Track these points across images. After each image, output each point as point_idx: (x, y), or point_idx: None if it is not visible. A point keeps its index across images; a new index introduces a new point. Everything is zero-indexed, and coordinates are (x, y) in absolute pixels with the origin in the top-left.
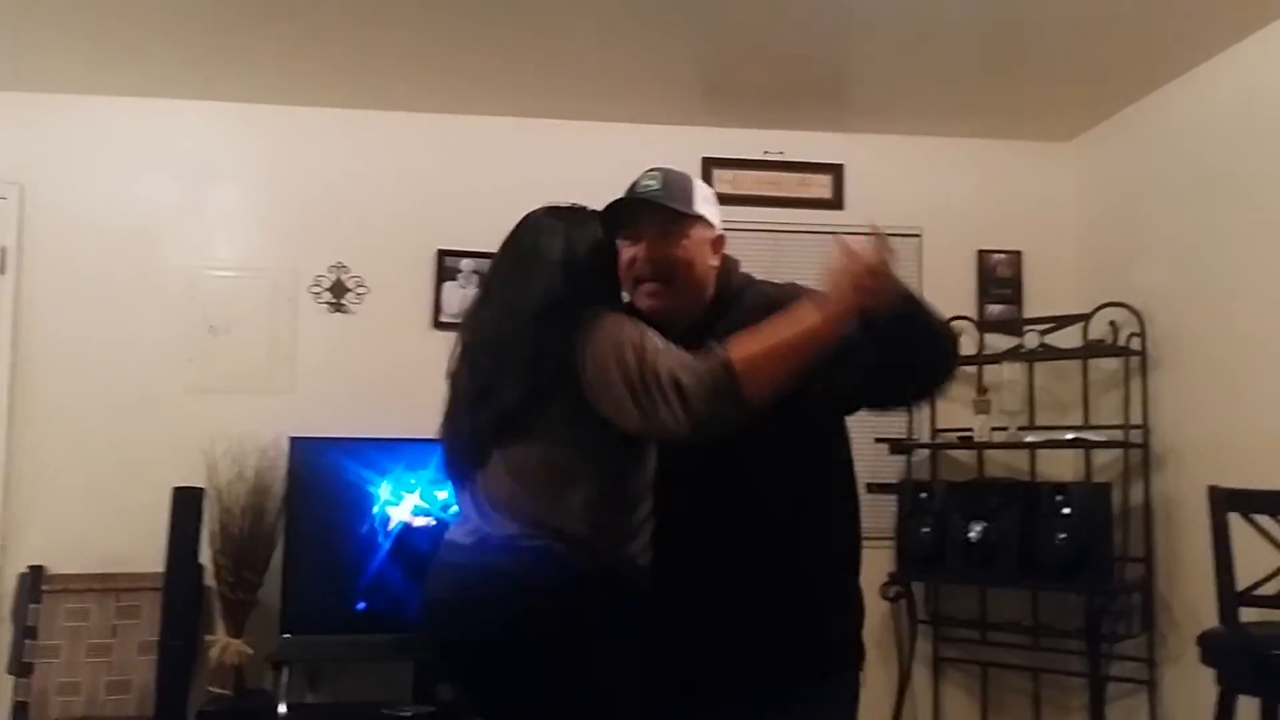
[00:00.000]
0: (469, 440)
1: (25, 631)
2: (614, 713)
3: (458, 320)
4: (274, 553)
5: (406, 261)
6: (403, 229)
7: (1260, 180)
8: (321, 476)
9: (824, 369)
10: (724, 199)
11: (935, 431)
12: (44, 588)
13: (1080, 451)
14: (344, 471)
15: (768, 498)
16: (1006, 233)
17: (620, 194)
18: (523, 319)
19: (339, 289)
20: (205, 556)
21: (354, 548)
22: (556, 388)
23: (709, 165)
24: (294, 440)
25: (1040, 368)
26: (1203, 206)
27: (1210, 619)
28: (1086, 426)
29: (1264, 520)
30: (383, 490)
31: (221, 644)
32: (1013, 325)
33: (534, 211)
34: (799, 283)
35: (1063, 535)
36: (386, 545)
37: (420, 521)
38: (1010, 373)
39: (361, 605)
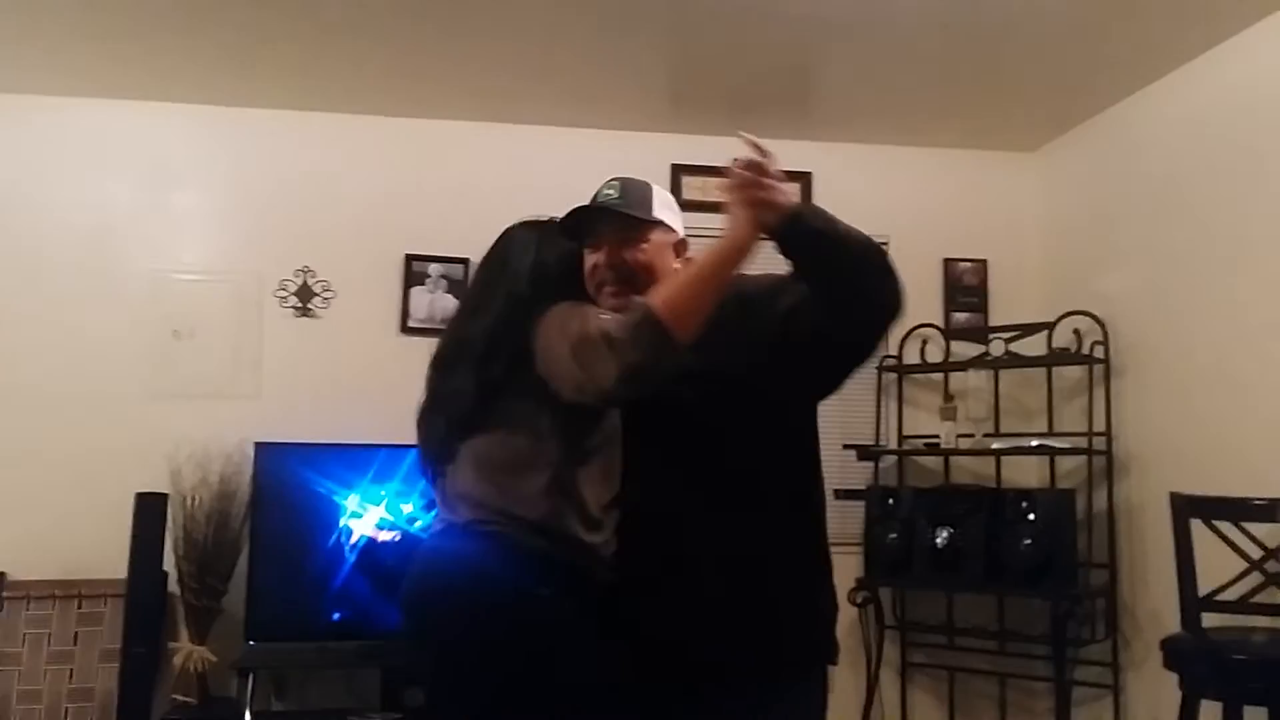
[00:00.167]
0: (438, 439)
1: None
2: (564, 697)
3: (426, 325)
4: (239, 559)
5: (374, 266)
6: (370, 233)
7: (1222, 191)
8: (287, 483)
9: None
10: (693, 205)
11: (902, 438)
12: (4, 594)
13: (1045, 458)
14: (310, 478)
15: (736, 491)
16: (973, 241)
17: (586, 200)
18: (488, 321)
19: (305, 293)
20: (169, 563)
21: (320, 554)
22: (512, 377)
23: (678, 171)
24: (259, 446)
25: (1006, 375)
26: (1166, 217)
27: (1173, 624)
28: (1051, 434)
29: (1225, 526)
30: (349, 502)
31: (185, 651)
32: (979, 333)
33: (512, 225)
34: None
35: (1028, 541)
36: (352, 553)
37: (385, 536)
38: (976, 380)
39: (329, 613)
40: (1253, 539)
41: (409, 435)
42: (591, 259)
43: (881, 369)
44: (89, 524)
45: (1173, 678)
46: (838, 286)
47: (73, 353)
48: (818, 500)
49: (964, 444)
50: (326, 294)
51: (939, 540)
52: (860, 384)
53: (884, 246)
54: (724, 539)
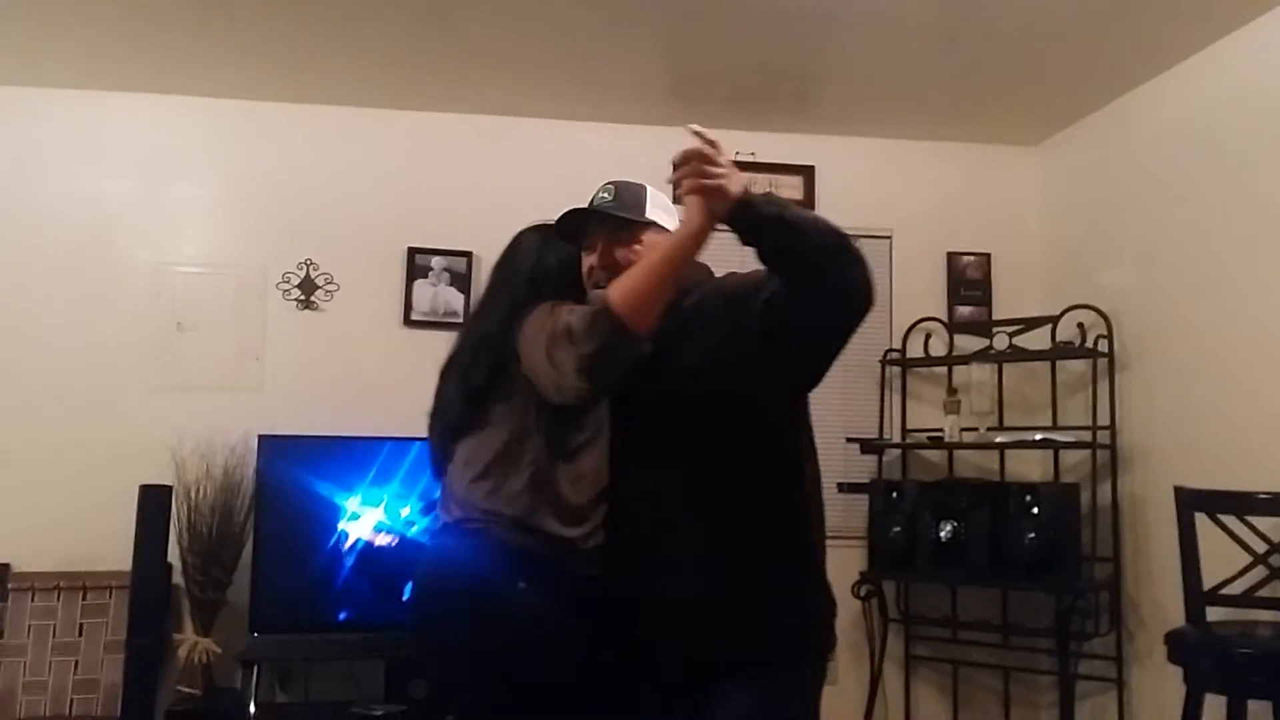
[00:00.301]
0: (437, 442)
1: None
2: (544, 686)
3: (428, 318)
4: (243, 551)
5: (377, 259)
6: (373, 226)
7: (1225, 184)
8: (290, 475)
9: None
10: None
11: (906, 432)
12: (10, 585)
13: (1049, 452)
14: (313, 470)
15: (719, 485)
16: (976, 235)
17: (588, 194)
18: (489, 327)
19: (308, 286)
20: (173, 555)
21: (323, 547)
22: (499, 377)
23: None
24: (263, 438)
25: (1009, 369)
26: (1168, 210)
27: (1177, 618)
28: (1055, 427)
29: (1230, 520)
30: (349, 504)
31: (190, 643)
32: (982, 327)
33: (523, 229)
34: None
35: (1032, 535)
36: (349, 556)
37: (382, 540)
38: (980, 374)
39: (333, 605)
40: (1257, 533)
41: (412, 428)
42: (587, 260)
43: (885, 362)
44: (93, 516)
45: (1177, 672)
46: (795, 272)
47: (76, 345)
48: (804, 492)
49: (968, 438)
50: (329, 287)
51: (943, 534)
52: (864, 377)
53: (850, 235)
54: (706, 532)
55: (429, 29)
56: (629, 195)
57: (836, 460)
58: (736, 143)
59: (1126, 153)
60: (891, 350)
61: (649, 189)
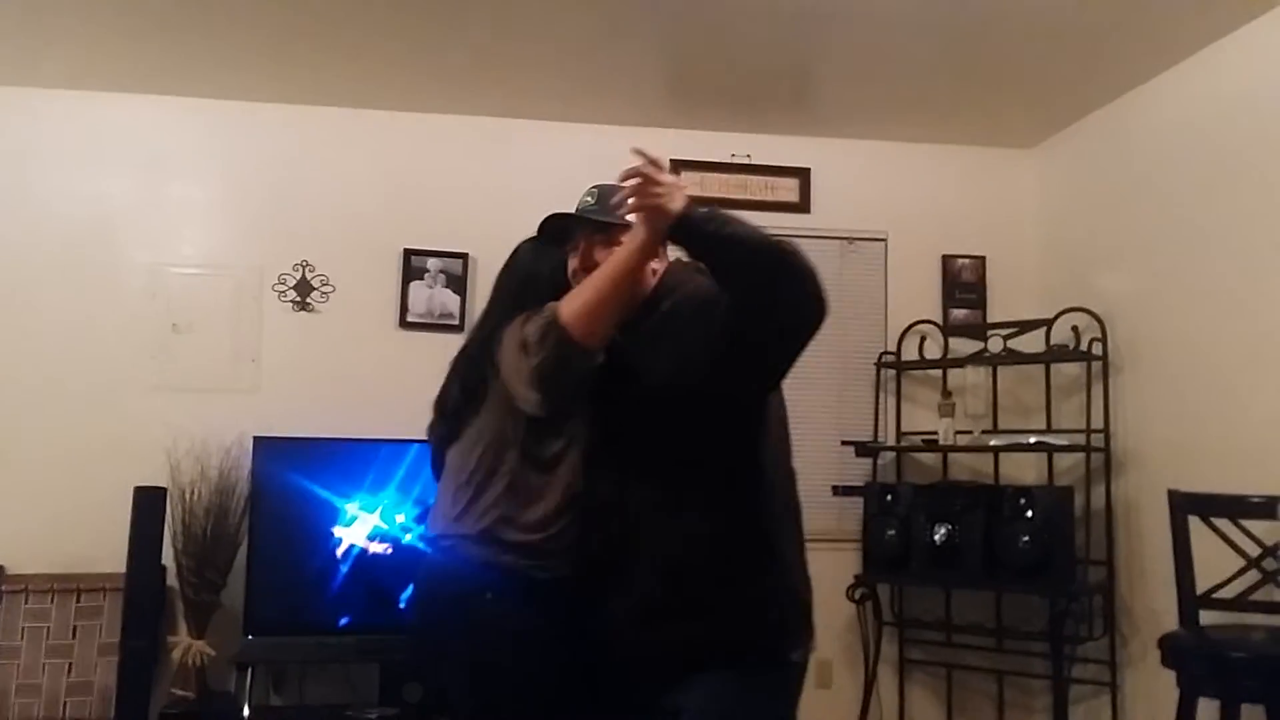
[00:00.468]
0: (434, 446)
1: None
2: (516, 688)
3: (424, 320)
4: (237, 553)
5: (372, 260)
6: (369, 227)
7: (1220, 187)
8: (286, 477)
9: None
10: (691, 201)
11: (900, 434)
12: (3, 587)
13: (1043, 455)
14: (308, 472)
15: (681, 488)
16: (971, 238)
17: (583, 196)
18: (478, 339)
19: (304, 287)
20: (168, 557)
21: (318, 549)
22: (480, 388)
23: (676, 167)
24: (258, 440)
25: (1004, 372)
26: (1164, 213)
27: (1171, 621)
28: (1049, 430)
29: (1223, 524)
30: (349, 508)
31: (184, 645)
32: (977, 329)
33: (522, 241)
34: None
35: (1026, 538)
36: (344, 563)
37: (377, 548)
38: (974, 376)
39: (328, 608)
40: (1251, 536)
41: (408, 430)
42: (571, 263)
43: (880, 365)
44: (87, 517)
45: (1170, 675)
46: (736, 285)
47: (71, 346)
48: (768, 490)
49: (962, 440)
50: (325, 288)
51: (937, 537)
52: (858, 380)
53: (794, 249)
54: (669, 531)
55: (426, 30)
56: (609, 197)
57: (831, 463)
58: (733, 145)
59: (1122, 156)
60: (886, 353)
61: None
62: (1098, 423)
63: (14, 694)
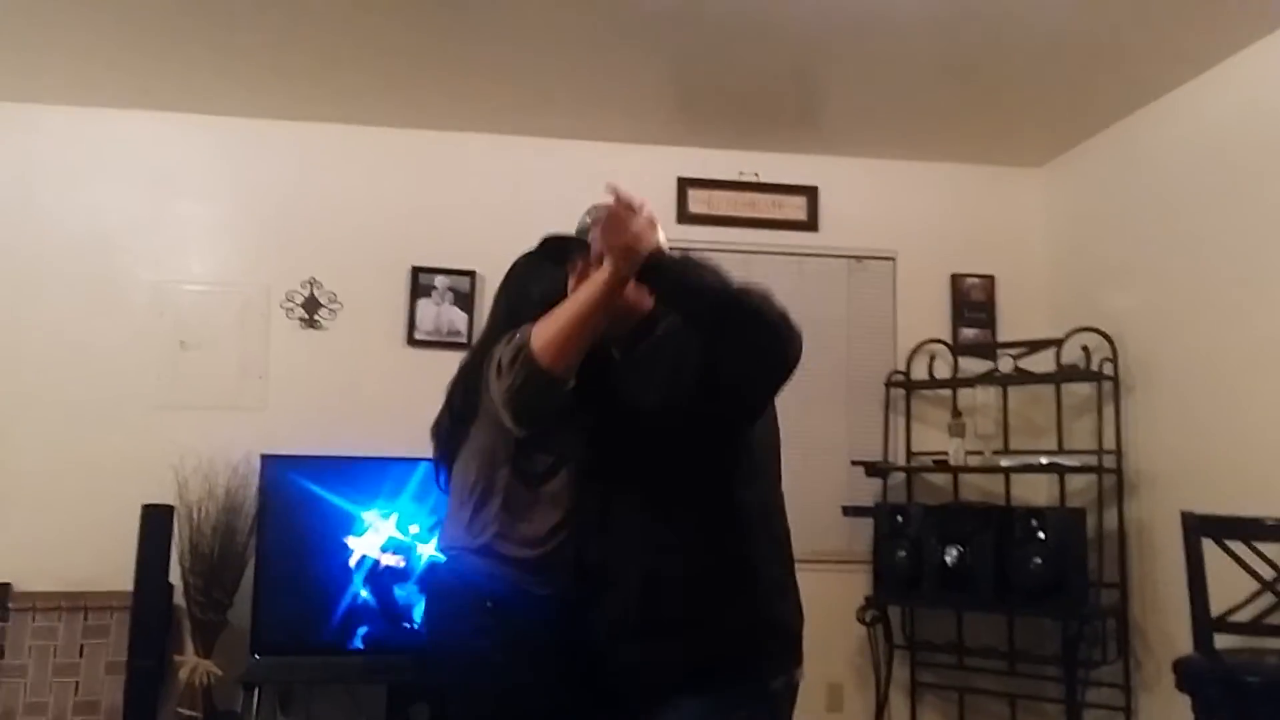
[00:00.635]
0: (436, 463)
1: None
2: (511, 695)
3: (432, 337)
4: (244, 572)
5: (380, 278)
6: (377, 245)
7: (1230, 206)
8: (293, 495)
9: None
10: (698, 219)
11: (910, 454)
12: (11, 605)
13: (1054, 476)
14: (316, 490)
15: (667, 509)
16: (980, 257)
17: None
18: (472, 358)
19: (312, 304)
20: (175, 575)
21: (326, 568)
22: (473, 407)
23: (684, 185)
24: (265, 458)
25: (1014, 392)
26: (1174, 232)
27: (1185, 645)
28: (1060, 451)
29: (1237, 546)
30: (367, 516)
31: (190, 665)
32: (987, 349)
33: (519, 257)
34: None
35: (1038, 560)
36: (357, 572)
37: (389, 560)
38: (985, 396)
39: (335, 627)
40: (1265, 559)
41: (416, 447)
42: (570, 284)
43: (889, 384)
44: (95, 536)
45: (1185, 700)
46: (701, 332)
47: (79, 363)
48: (750, 514)
49: (973, 461)
50: (333, 305)
51: (948, 558)
52: (868, 400)
53: (761, 297)
54: (654, 552)
55: (434, 48)
56: None
57: (840, 483)
58: (741, 163)
59: (1131, 175)
60: (896, 372)
61: None
62: (1109, 443)
63: (20, 712)
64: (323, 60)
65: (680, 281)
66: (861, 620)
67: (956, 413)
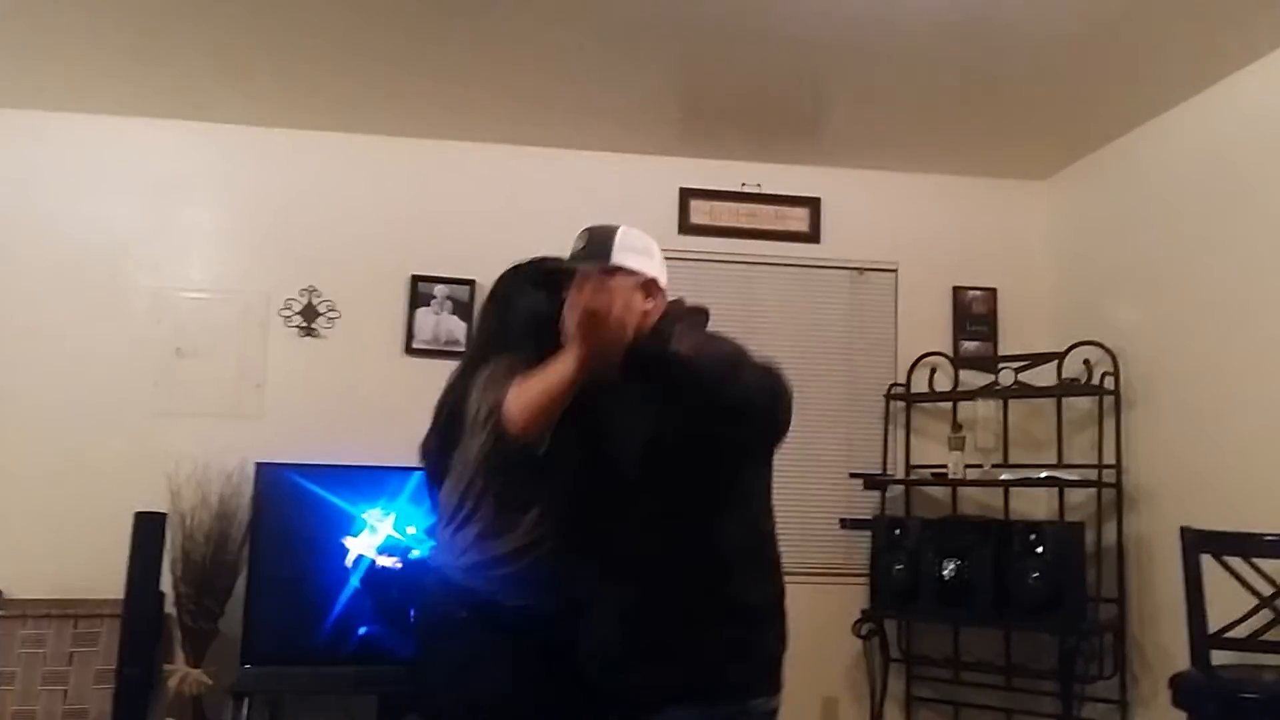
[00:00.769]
0: (427, 480)
1: None
2: (481, 699)
3: (430, 346)
4: (236, 581)
5: (379, 286)
6: (376, 253)
7: (1232, 221)
8: (288, 504)
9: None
10: (700, 230)
11: (910, 467)
12: (1, 612)
13: (1054, 490)
14: (311, 499)
15: (641, 537)
16: (982, 269)
17: (592, 222)
18: (456, 378)
19: (310, 313)
20: (166, 584)
21: (319, 578)
22: (457, 430)
23: (686, 196)
24: (260, 466)
25: (1015, 405)
26: (1176, 247)
27: (1182, 661)
28: (1060, 465)
29: (1236, 562)
30: (368, 515)
31: (180, 674)
32: (988, 362)
33: (505, 270)
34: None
35: (1036, 574)
36: (352, 577)
37: (385, 561)
38: (985, 409)
39: (327, 637)
40: (1264, 575)
41: (413, 458)
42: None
43: (889, 397)
44: (87, 542)
45: (1182, 716)
46: (686, 403)
47: (75, 369)
48: (737, 540)
49: (972, 474)
50: (331, 314)
51: (946, 572)
52: (867, 412)
53: (744, 369)
54: (628, 580)
55: (435, 57)
56: (598, 241)
57: (839, 495)
58: (743, 174)
59: (1134, 189)
60: (896, 384)
61: (620, 231)
62: (1109, 458)
63: None
64: (323, 69)
65: (664, 364)
66: (858, 633)
67: (956, 426)
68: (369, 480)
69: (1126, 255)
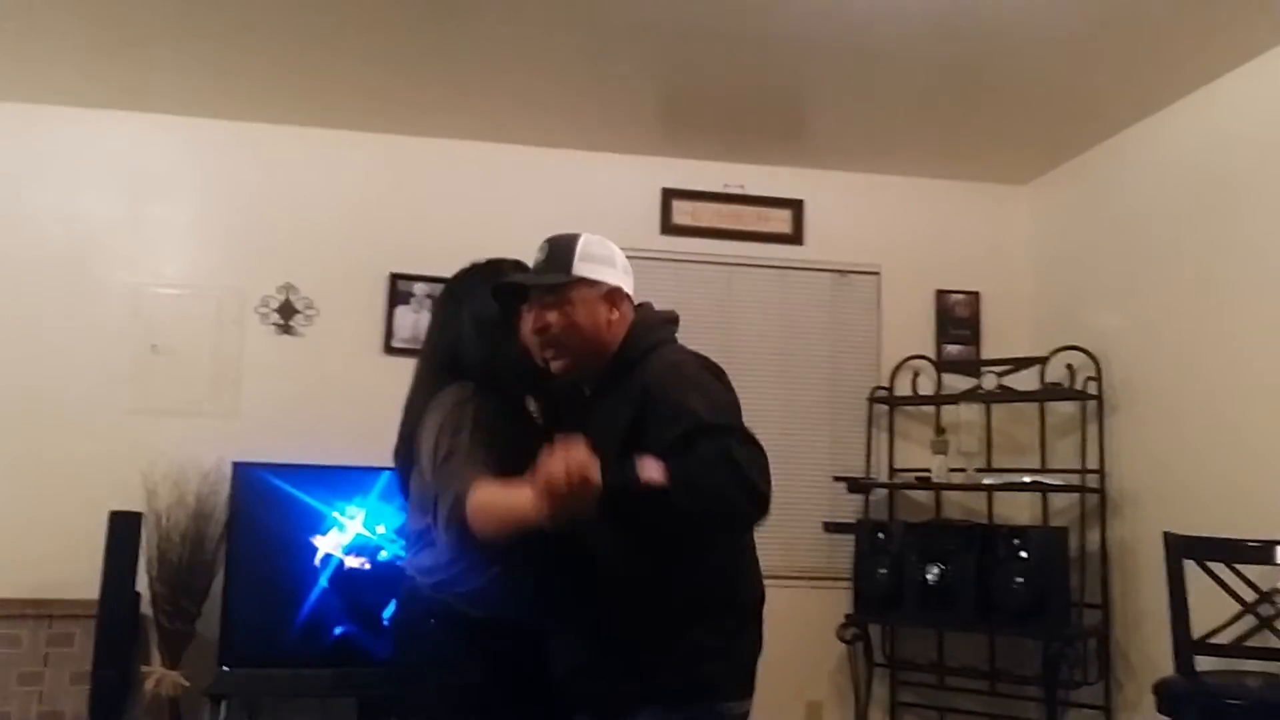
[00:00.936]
0: (400, 492)
1: None
2: (448, 700)
3: (409, 345)
4: (213, 581)
5: (358, 284)
6: (355, 251)
7: (1215, 227)
8: (265, 504)
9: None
10: (682, 230)
11: (893, 471)
12: None
13: (1037, 495)
14: (288, 499)
15: (613, 552)
16: (965, 273)
17: (571, 222)
18: (413, 395)
19: (287, 310)
20: (142, 584)
21: (297, 578)
22: (410, 455)
23: (669, 196)
24: (237, 465)
25: (998, 409)
26: (1158, 252)
27: (1166, 667)
28: (1044, 469)
29: (1219, 568)
30: (326, 536)
31: (157, 675)
32: (970, 366)
33: (462, 270)
34: (683, 363)
35: (1020, 579)
36: (328, 578)
37: (354, 562)
38: (968, 413)
39: (305, 638)
40: (1246, 581)
41: (391, 456)
42: (524, 326)
43: (872, 400)
44: (61, 542)
45: None
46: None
47: (48, 366)
48: (709, 561)
49: (955, 478)
50: (309, 311)
51: (930, 577)
52: (850, 415)
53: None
54: (594, 587)
55: (415, 53)
56: (558, 252)
57: (822, 499)
58: (726, 175)
59: (1116, 194)
60: (879, 388)
61: (581, 240)
62: (1093, 462)
63: None
64: (303, 64)
65: (638, 518)
66: (842, 638)
67: (940, 429)
68: (349, 481)
69: (1109, 259)
